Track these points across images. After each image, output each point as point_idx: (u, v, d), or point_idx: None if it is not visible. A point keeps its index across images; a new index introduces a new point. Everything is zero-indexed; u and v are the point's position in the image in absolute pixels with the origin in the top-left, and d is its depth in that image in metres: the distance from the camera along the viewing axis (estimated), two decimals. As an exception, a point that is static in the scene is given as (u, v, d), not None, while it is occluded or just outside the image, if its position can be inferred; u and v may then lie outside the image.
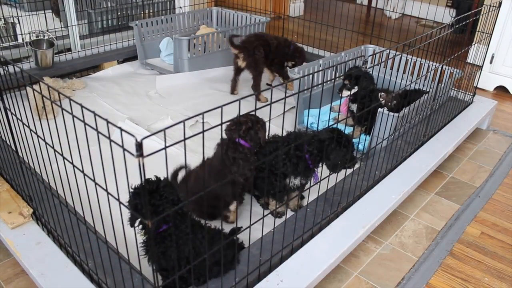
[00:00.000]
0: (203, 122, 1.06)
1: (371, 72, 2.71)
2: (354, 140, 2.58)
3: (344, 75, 2.57)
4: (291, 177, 1.90)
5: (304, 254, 1.72)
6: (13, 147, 1.84)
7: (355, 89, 2.57)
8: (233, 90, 3.37)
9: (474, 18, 2.76)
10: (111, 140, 1.06)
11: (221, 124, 1.11)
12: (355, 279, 1.88)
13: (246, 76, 3.61)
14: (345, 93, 2.67)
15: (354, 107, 2.62)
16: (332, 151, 1.81)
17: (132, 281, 1.45)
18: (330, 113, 1.76)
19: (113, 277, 1.49)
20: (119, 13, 4.22)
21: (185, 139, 1.04)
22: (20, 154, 1.85)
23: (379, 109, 2.32)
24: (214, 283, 1.52)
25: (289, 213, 1.74)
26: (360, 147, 2.51)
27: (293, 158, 1.83)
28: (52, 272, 1.61)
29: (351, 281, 1.87)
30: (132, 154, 0.97)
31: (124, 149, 1.00)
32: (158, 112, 3.04)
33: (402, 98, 2.54)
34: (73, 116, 1.17)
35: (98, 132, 1.09)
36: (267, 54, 3.21)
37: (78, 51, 3.69)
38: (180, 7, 4.37)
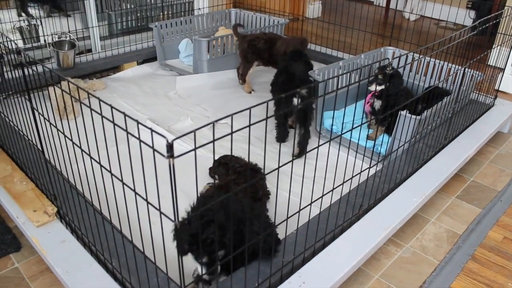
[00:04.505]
0: (231, 124, 1.07)
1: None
2: (372, 142, 2.57)
3: (379, 70, 2.53)
4: None
5: (326, 256, 1.72)
6: (39, 146, 1.87)
7: (382, 86, 2.53)
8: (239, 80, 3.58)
9: (495, 21, 2.73)
10: (141, 141, 1.07)
11: (249, 125, 1.12)
12: (376, 282, 1.87)
13: (264, 77, 3.62)
14: (372, 87, 2.60)
15: (377, 104, 2.59)
16: None
17: (157, 281, 1.46)
18: (354, 114, 1.76)
19: (138, 276, 1.51)
20: (138, 15, 4.26)
21: (214, 140, 1.05)
22: (46, 154, 1.88)
23: (401, 112, 2.30)
24: (236, 284, 1.53)
25: (312, 214, 1.74)
26: (380, 149, 2.50)
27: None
28: (76, 270, 1.63)
29: (372, 284, 1.86)
30: (163, 155, 0.98)
31: (155, 150, 1.02)
32: (178, 113, 3.06)
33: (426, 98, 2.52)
34: (102, 117, 1.19)
35: (128, 133, 1.10)
36: (262, 51, 3.32)
37: (98, 52, 3.74)
38: (199, 8, 4.39)
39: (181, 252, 1.43)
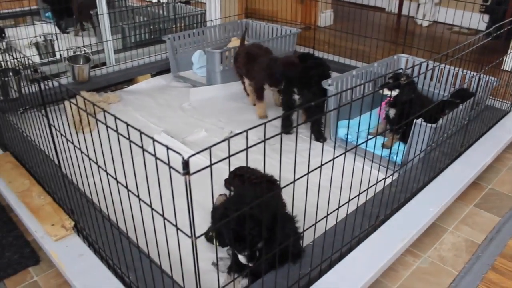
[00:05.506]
0: (246, 139, 1.07)
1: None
2: (387, 151, 2.54)
3: (392, 76, 2.52)
4: None
5: (343, 268, 1.71)
6: (56, 162, 1.89)
7: (396, 92, 2.50)
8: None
9: (510, 27, 2.70)
10: (156, 158, 1.08)
11: (264, 140, 1.12)
12: (395, 294, 1.85)
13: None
14: (385, 92, 2.57)
15: (392, 112, 2.58)
16: None
17: (174, 295, 1.46)
18: (369, 123, 1.75)
19: (155, 291, 1.52)
20: (151, 27, 4.31)
21: (229, 156, 1.05)
22: (63, 168, 1.90)
23: (416, 120, 2.28)
24: (253, 297, 1.52)
25: (328, 225, 1.73)
26: (396, 158, 2.48)
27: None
28: (94, 284, 1.64)
29: (390, 295, 1.85)
30: (179, 172, 0.99)
31: (170, 167, 1.02)
32: (192, 125, 3.08)
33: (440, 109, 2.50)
34: (118, 134, 1.20)
35: (144, 150, 1.11)
36: (241, 65, 3.25)
37: (113, 65, 3.77)
38: (211, 20, 4.42)
39: (223, 244, 1.57)
